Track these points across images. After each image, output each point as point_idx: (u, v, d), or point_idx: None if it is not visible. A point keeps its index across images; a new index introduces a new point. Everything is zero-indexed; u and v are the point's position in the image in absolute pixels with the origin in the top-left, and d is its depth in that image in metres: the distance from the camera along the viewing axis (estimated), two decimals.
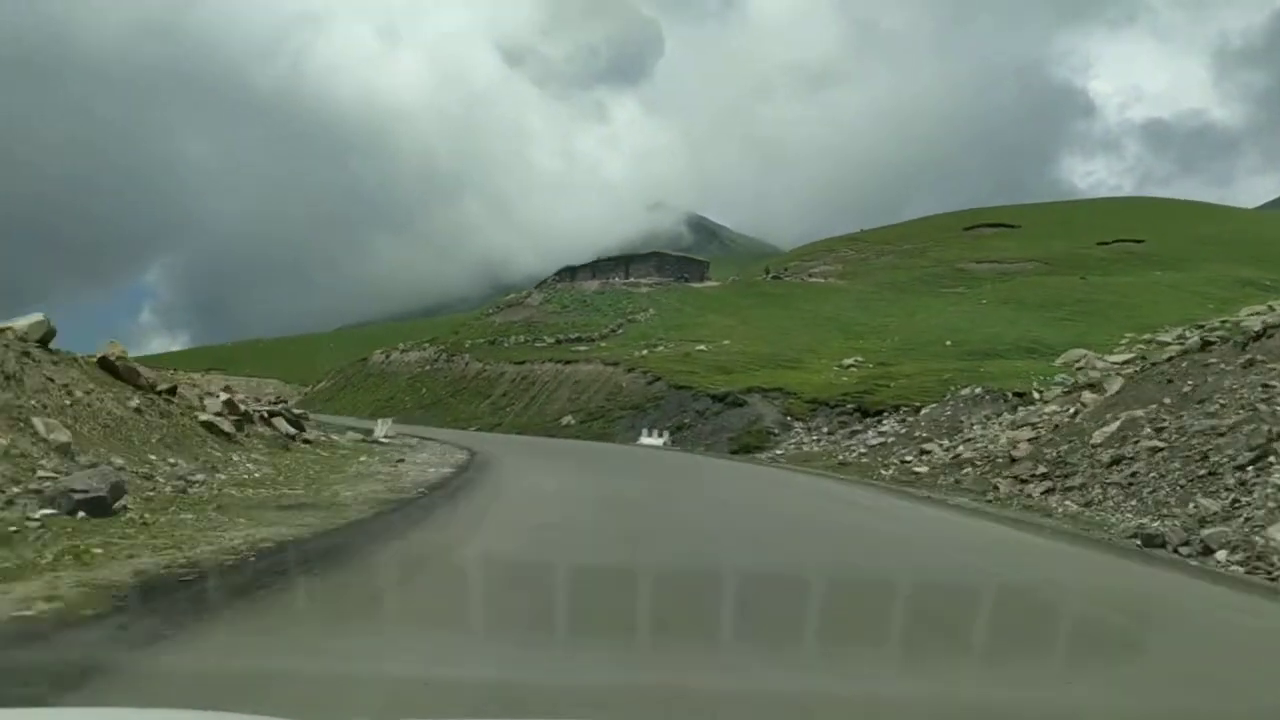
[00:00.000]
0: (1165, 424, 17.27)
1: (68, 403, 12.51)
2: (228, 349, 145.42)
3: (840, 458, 35.18)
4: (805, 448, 38.98)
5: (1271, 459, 13.51)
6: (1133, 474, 16.01)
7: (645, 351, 55.62)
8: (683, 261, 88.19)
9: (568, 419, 49.12)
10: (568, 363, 54.76)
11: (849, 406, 40.95)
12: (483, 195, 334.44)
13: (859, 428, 39.26)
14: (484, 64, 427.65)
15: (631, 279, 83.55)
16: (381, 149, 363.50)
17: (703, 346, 55.72)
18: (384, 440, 33.35)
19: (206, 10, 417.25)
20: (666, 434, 41.35)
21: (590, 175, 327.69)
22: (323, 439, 23.67)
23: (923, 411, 36.50)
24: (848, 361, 51.78)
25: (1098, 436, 18.92)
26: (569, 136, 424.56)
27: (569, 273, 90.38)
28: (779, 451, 38.55)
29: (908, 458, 29.16)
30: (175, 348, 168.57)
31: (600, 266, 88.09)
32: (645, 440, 41.33)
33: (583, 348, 61.80)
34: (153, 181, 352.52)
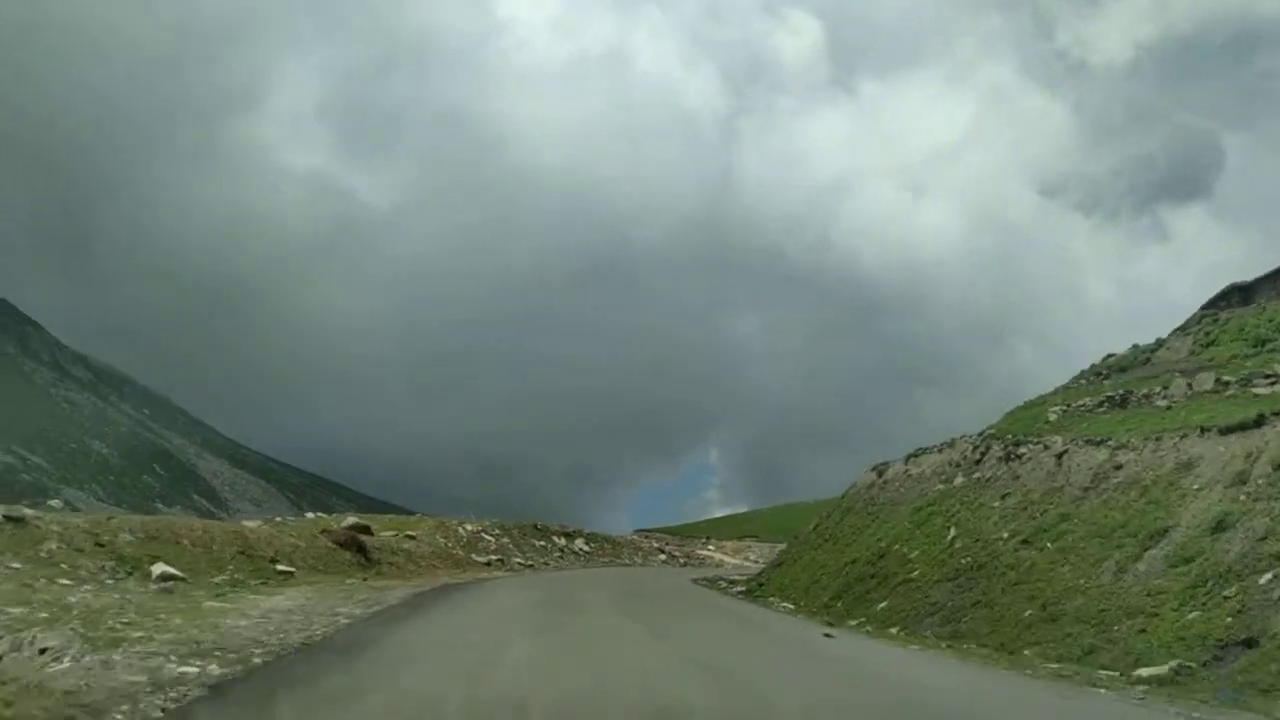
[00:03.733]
0: None
1: None
2: (775, 513, 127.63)
3: None
4: None
5: None
6: None
7: None
8: None
9: None
10: None
11: None
12: (1030, 335, 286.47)
13: None
14: (1018, 199, 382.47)
15: None
16: (916, 302, 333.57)
17: None
18: None
19: (743, 197, 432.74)
20: None
21: (1153, 298, 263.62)
22: None
23: None
24: None
25: None
26: (1124, 260, 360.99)
27: (1237, 294, 46.20)
28: None
29: None
30: (728, 512, 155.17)
31: None
32: None
33: None
34: (708, 362, 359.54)
